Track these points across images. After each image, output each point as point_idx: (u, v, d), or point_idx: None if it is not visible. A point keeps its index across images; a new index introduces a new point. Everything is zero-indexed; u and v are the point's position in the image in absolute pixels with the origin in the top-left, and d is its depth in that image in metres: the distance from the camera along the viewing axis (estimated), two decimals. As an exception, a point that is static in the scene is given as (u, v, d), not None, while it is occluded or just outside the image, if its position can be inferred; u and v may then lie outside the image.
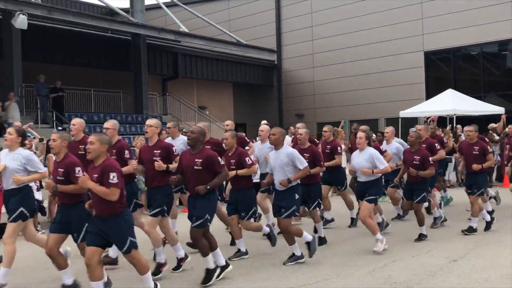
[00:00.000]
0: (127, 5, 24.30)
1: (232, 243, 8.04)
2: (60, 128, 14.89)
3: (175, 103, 25.39)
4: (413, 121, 21.03)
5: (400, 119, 21.19)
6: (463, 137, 16.17)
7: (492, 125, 15.98)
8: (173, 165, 6.79)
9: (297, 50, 29.75)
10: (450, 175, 15.77)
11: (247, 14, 31.76)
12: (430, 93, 23.81)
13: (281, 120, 30.32)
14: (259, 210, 8.58)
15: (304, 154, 7.74)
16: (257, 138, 10.07)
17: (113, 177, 5.28)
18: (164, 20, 30.65)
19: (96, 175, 5.35)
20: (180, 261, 6.92)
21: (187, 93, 26.37)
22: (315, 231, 8.34)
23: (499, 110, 19.21)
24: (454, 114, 19.17)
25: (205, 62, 26.57)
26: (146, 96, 22.48)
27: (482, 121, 18.35)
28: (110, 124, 7.13)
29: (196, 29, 27.14)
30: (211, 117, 25.50)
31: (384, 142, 10.64)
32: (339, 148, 9.49)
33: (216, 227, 7.91)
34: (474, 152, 8.64)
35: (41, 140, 11.46)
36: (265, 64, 30.19)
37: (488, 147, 8.96)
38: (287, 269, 6.85)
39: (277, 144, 7.11)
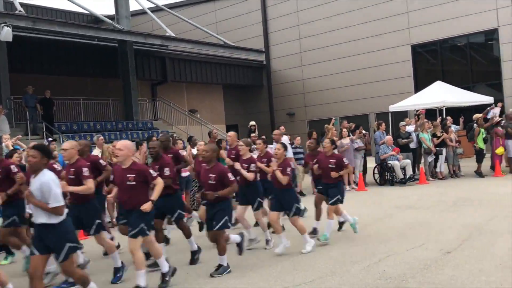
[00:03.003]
0: (112, 12, 24.23)
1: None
2: (50, 139, 14.82)
3: (166, 108, 25.34)
4: (403, 114, 21.14)
5: (390, 113, 21.27)
6: (453, 129, 16.33)
7: (477, 115, 16.07)
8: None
9: (285, 49, 29.80)
10: (442, 166, 15.83)
11: (234, 16, 31.79)
12: (419, 86, 23.91)
13: (273, 120, 30.38)
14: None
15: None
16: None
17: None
18: (151, 25, 30.63)
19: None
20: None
21: (177, 97, 26.34)
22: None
23: (488, 100, 19.32)
24: (444, 106, 19.27)
25: (194, 65, 26.55)
26: (135, 102, 22.43)
27: (471, 112, 18.42)
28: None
29: (183, 33, 27.15)
30: (202, 120, 25.50)
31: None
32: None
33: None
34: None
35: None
36: (254, 65, 30.21)
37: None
38: (282, 269, 6.85)
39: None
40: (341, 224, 9.23)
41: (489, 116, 16.21)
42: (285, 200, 7.86)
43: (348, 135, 15.32)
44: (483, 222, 8.87)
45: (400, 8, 25.27)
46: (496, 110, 16.68)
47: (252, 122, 18.03)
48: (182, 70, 25.96)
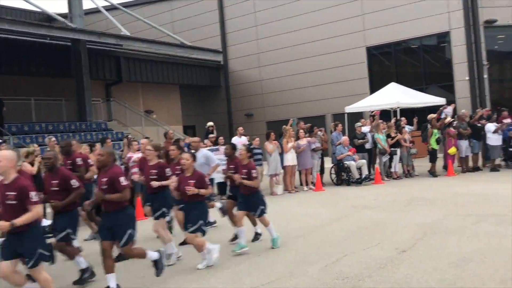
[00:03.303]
0: (65, 10, 23.64)
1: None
2: (0, 141, 14.28)
3: (120, 109, 24.88)
4: (358, 115, 21.41)
5: (346, 114, 21.52)
6: (407, 129, 16.64)
7: (431, 115, 16.43)
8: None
9: (243, 50, 29.78)
10: (396, 166, 16.10)
11: (190, 15, 31.57)
12: (374, 87, 24.30)
13: (231, 121, 30.30)
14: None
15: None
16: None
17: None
18: (105, 24, 30.01)
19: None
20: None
21: (133, 97, 25.90)
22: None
23: (440, 101, 19.79)
24: (398, 107, 19.62)
25: (150, 65, 26.18)
26: (89, 102, 21.93)
27: (425, 112, 18.82)
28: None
29: (138, 32, 26.75)
30: (158, 121, 25.17)
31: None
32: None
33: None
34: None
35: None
36: (212, 65, 30.06)
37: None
38: (240, 271, 6.78)
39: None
40: (257, 235, 8.63)
41: (442, 116, 16.59)
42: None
43: (306, 136, 15.39)
44: (437, 221, 9.03)
45: (356, 10, 25.64)
46: (449, 110, 17.08)
47: (210, 123, 17.90)
48: (137, 70, 25.56)
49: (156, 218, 7.69)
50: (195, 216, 7.07)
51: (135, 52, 25.38)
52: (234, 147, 8.95)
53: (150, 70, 26.23)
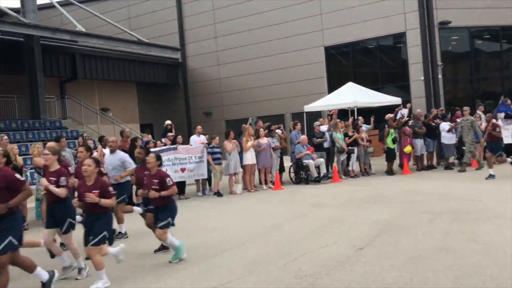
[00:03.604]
0: (17, 5, 22.92)
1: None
2: None
3: (75, 106, 24.31)
4: (317, 114, 21.60)
5: (305, 113, 21.66)
6: (364, 129, 16.87)
7: (389, 115, 16.71)
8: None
9: (202, 47, 29.59)
10: (354, 165, 16.30)
11: (148, 12, 31.18)
12: (332, 86, 24.56)
13: (189, 119, 30.07)
14: None
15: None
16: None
17: None
18: (60, 19, 29.32)
19: None
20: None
21: (88, 95, 25.33)
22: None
23: (396, 100, 20.16)
24: (355, 106, 19.87)
25: (106, 62, 25.69)
26: (43, 100, 21.37)
27: (381, 112, 19.13)
28: None
29: (94, 28, 26.18)
30: (114, 119, 24.71)
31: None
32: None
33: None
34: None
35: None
36: (170, 63, 29.75)
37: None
38: (199, 272, 6.69)
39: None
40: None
41: (397, 117, 16.88)
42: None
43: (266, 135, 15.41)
44: (393, 218, 9.16)
45: (314, 10, 25.84)
46: (404, 111, 17.41)
47: (168, 122, 17.66)
48: (93, 67, 25.04)
49: (66, 231, 6.85)
50: (98, 227, 6.36)
51: (90, 49, 24.86)
52: (148, 151, 8.26)
53: (106, 67, 25.74)
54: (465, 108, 16.38)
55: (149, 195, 7.25)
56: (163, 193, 7.17)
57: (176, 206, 7.49)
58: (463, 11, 23.19)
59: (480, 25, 24.26)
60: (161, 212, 7.25)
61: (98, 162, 6.63)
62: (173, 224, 7.30)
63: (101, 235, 6.30)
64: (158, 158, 7.48)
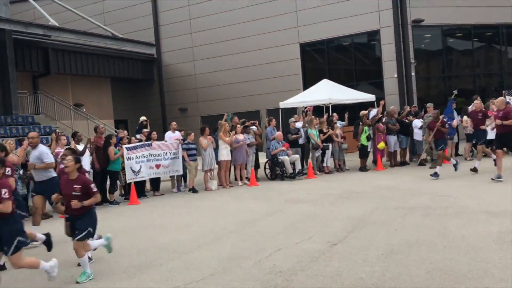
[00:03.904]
0: (-12, -3, 22.40)
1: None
2: None
3: (48, 102, 23.96)
4: (292, 111, 21.69)
5: (280, 109, 21.73)
6: (338, 125, 17.01)
7: (363, 112, 16.88)
8: None
9: (177, 43, 29.42)
10: (328, 161, 16.43)
11: (123, 7, 30.84)
12: (307, 83, 24.70)
13: (164, 115, 29.89)
14: None
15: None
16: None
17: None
18: (32, 13, 28.81)
19: None
20: None
21: (61, 90, 24.99)
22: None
23: (370, 97, 20.38)
24: (330, 103, 20.02)
25: (79, 57, 25.36)
26: (15, 95, 21.01)
27: (355, 108, 19.32)
28: None
29: (67, 23, 25.81)
30: (88, 115, 24.43)
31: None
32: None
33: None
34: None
35: None
36: (144, 58, 29.51)
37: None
38: (172, 269, 6.68)
39: None
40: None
41: (370, 117, 17.07)
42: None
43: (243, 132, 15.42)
44: (366, 214, 9.28)
45: (289, 6, 25.91)
46: (374, 111, 17.60)
47: (143, 117, 17.55)
48: (66, 62, 24.70)
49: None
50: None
51: (64, 44, 24.51)
52: (74, 152, 7.52)
53: (80, 62, 25.42)
54: (428, 104, 16.68)
55: (71, 205, 6.42)
56: (86, 202, 6.47)
57: (96, 214, 6.82)
58: (436, 9, 23.54)
59: (453, 24, 24.66)
60: (79, 220, 6.53)
61: (78, 160, 6.75)
62: (92, 235, 6.73)
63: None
64: (77, 160, 6.70)
